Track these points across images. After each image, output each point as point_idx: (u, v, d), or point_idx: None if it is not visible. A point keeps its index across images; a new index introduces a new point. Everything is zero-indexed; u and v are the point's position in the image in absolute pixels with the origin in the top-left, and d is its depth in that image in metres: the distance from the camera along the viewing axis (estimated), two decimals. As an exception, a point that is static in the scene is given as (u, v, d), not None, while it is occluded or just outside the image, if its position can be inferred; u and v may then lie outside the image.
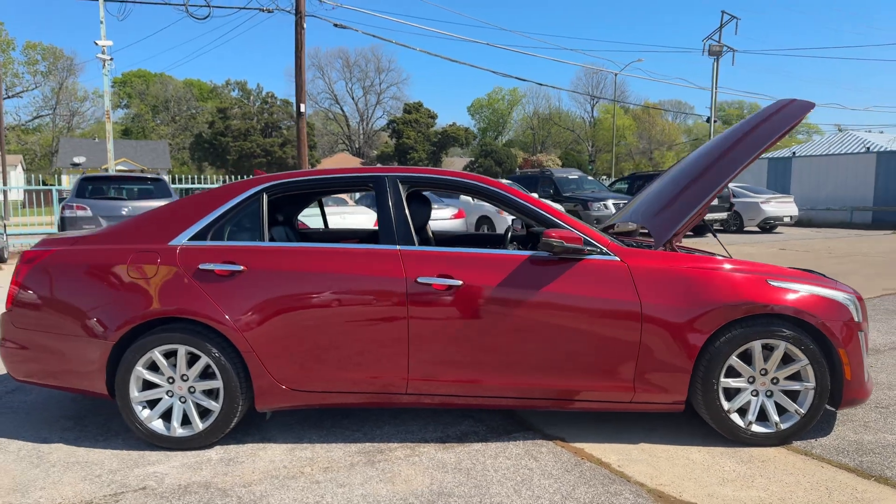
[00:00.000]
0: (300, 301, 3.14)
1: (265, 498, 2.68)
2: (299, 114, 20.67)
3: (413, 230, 3.28)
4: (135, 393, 3.17)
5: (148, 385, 3.20)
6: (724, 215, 16.20)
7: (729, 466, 2.92)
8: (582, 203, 14.16)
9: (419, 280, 3.11)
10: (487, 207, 12.94)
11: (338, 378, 3.18)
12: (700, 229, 13.18)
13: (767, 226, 17.34)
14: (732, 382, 3.12)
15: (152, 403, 3.22)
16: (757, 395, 3.15)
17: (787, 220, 17.38)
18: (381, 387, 3.19)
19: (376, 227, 3.49)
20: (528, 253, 3.18)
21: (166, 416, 3.22)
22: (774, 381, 3.13)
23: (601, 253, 3.17)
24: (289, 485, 2.80)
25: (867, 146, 21.36)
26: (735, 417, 3.12)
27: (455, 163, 57.04)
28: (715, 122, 33.75)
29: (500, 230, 12.24)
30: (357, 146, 66.87)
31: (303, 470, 2.96)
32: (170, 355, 3.17)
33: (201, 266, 3.17)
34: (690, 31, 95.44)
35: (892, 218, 19.37)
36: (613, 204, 14.08)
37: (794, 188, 21.89)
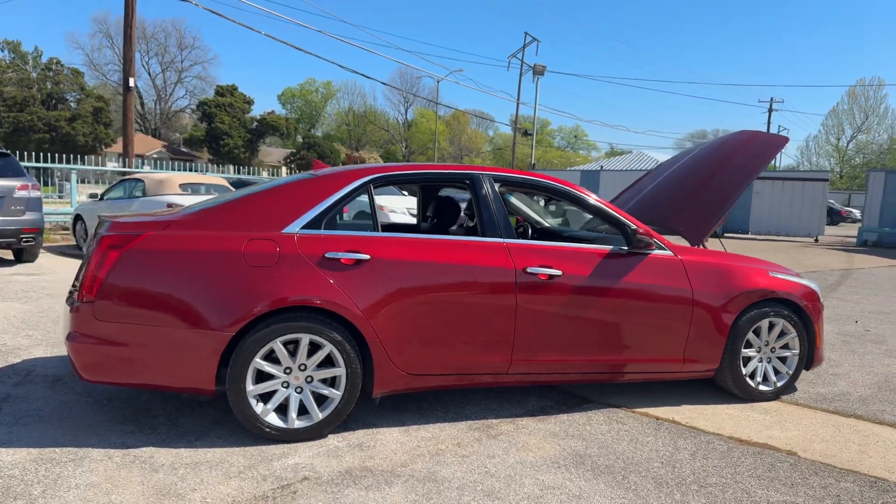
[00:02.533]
0: (421, 290, 3.29)
1: (435, 474, 2.85)
2: (127, 88, 18.62)
3: (511, 224, 3.60)
4: (251, 386, 3.05)
5: (261, 377, 3.10)
6: (559, 220, 18.23)
7: (757, 417, 3.74)
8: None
9: (528, 270, 3.45)
10: (363, 202, 13.08)
11: (452, 362, 3.39)
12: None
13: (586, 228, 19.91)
14: (748, 352, 3.97)
15: (265, 396, 3.12)
16: (762, 361, 4.04)
17: (605, 224, 20.11)
18: (489, 368, 3.47)
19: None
20: (608, 247, 3.70)
21: (279, 407, 3.14)
22: (773, 350, 4.05)
23: (661, 248, 3.81)
24: (444, 461, 2.99)
25: (658, 164, 25.50)
26: (748, 380, 3.98)
27: (272, 153, 54.84)
28: (528, 134, 37.27)
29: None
30: (153, 126, 60.74)
31: (439, 447, 3.14)
32: (289, 344, 3.11)
33: (328, 255, 3.16)
34: (501, 47, 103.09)
35: (676, 225, 23.49)
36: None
37: (602, 197, 25.34)
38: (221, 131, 47.01)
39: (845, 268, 12.99)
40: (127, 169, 16.66)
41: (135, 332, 2.97)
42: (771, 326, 4.02)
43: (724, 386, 4.03)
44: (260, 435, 3.10)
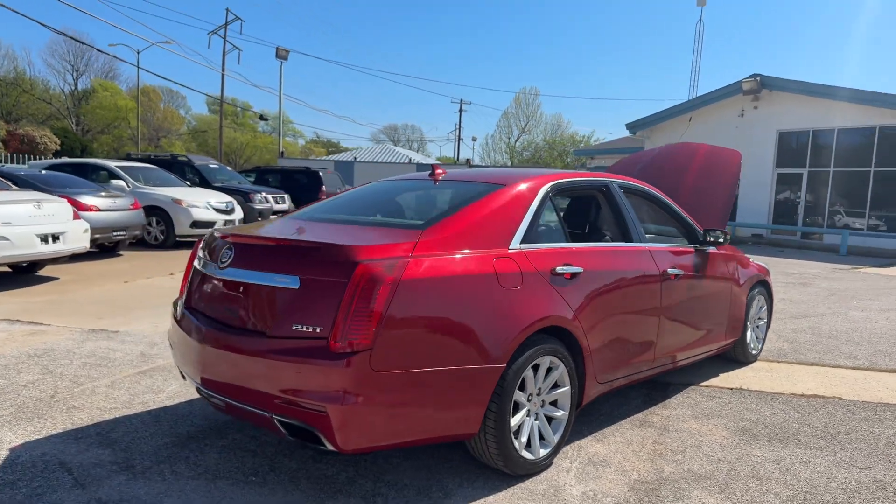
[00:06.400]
0: (615, 298, 3.33)
1: (694, 472, 2.99)
2: None
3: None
4: (512, 420, 2.73)
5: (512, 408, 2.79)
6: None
7: (770, 376, 4.69)
8: (243, 195, 13.52)
9: (669, 271, 3.74)
10: (158, 197, 11.21)
11: (626, 364, 3.49)
12: None
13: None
14: (748, 325, 4.92)
15: (515, 429, 2.82)
16: (752, 331, 5.04)
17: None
18: (642, 367, 3.66)
19: None
20: (693, 247, 4.19)
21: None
22: (753, 321, 5.08)
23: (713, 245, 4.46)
24: (678, 460, 3.13)
25: (409, 158, 26.99)
26: (748, 347, 4.93)
27: None
28: (265, 119, 35.28)
29: (177, 219, 11.20)
30: None
31: (651, 449, 3.26)
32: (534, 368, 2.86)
33: (557, 269, 2.97)
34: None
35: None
36: (272, 197, 14.06)
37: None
38: None
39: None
40: None
41: (414, 379, 2.40)
42: (758, 302, 5.04)
43: (733, 354, 4.91)
44: (513, 472, 2.80)
